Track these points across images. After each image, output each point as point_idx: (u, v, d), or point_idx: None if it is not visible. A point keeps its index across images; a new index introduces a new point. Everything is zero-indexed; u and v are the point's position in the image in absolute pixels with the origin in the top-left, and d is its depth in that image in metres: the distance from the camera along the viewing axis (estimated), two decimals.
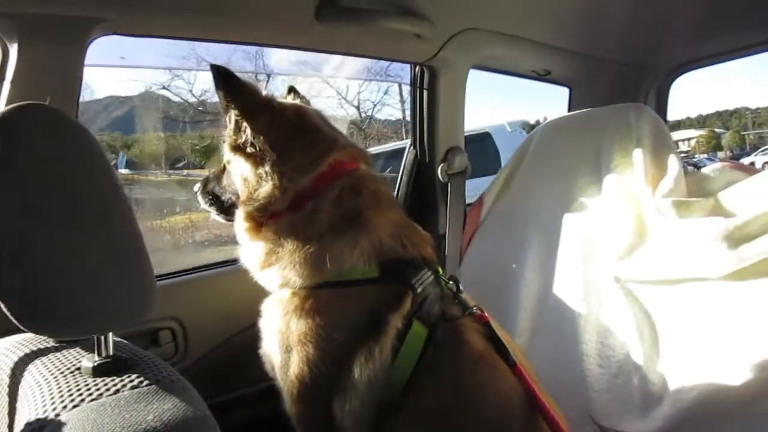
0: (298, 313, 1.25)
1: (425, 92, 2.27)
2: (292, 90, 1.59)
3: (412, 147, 2.39)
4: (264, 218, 1.33)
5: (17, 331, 1.16)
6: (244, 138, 1.32)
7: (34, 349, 1.06)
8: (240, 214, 1.37)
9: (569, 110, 2.72)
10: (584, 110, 2.03)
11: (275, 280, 1.31)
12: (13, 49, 1.30)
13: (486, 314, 1.34)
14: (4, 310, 0.81)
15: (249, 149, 1.32)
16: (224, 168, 1.47)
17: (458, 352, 1.28)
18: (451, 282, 1.38)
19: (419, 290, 1.30)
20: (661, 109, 2.66)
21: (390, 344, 1.24)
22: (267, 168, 1.30)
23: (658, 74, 2.65)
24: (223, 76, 1.30)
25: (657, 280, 1.73)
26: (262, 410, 1.77)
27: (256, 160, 1.32)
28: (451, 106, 2.31)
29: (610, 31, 2.20)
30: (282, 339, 1.27)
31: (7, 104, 1.30)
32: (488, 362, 1.28)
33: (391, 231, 1.33)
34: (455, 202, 2.36)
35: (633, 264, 1.78)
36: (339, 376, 1.22)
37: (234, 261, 1.94)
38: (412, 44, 1.95)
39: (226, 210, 1.48)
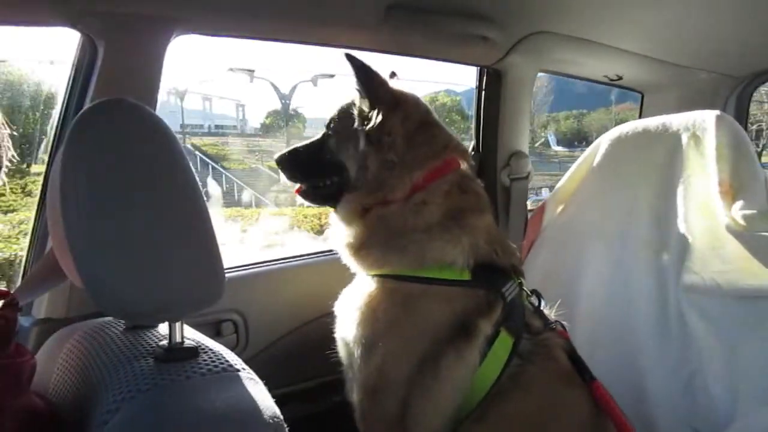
0: (389, 303, 1.27)
1: (490, 96, 2.25)
2: (394, 75, 1.58)
3: (473, 150, 2.37)
4: (373, 204, 1.35)
5: (93, 316, 1.23)
6: (379, 131, 1.35)
7: (109, 333, 1.12)
8: (350, 198, 1.39)
9: (640, 116, 2.63)
10: (658, 117, 1.95)
11: (369, 264, 1.34)
12: (101, 47, 1.37)
13: (566, 330, 1.37)
14: (88, 294, 0.85)
15: (384, 142, 1.35)
16: (321, 145, 1.48)
17: (547, 368, 1.29)
18: (533, 295, 1.39)
19: (508, 299, 1.30)
20: (741, 117, 2.52)
21: (479, 349, 1.25)
22: (392, 157, 1.33)
23: (738, 81, 2.52)
24: (361, 69, 1.36)
25: (731, 295, 1.65)
26: (319, 406, 1.80)
27: (383, 148, 1.34)
28: (516, 111, 2.27)
29: (689, 37, 2.11)
30: (367, 327, 1.27)
31: (92, 99, 1.38)
32: (575, 382, 1.30)
33: (487, 236, 1.35)
34: (516, 207, 2.32)
35: (705, 278, 1.70)
36: (423, 373, 1.22)
37: (297, 257, 2.00)
38: (479, 47, 1.93)
39: (320, 191, 1.48)
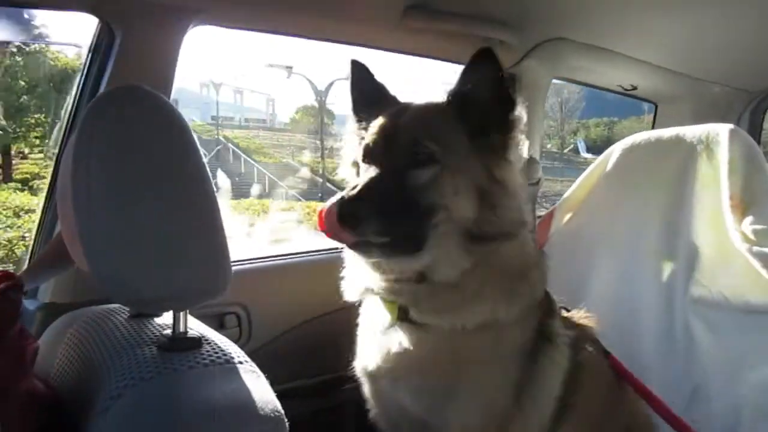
0: (481, 342, 1.19)
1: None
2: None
3: None
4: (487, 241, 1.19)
5: (98, 302, 1.23)
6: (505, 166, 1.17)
7: (114, 320, 1.12)
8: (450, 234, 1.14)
9: (653, 127, 2.61)
10: (672, 128, 1.93)
11: (469, 314, 1.16)
12: (118, 34, 1.38)
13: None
14: (96, 281, 0.85)
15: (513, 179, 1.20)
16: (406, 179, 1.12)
17: (603, 365, 1.39)
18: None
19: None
20: (755, 131, 2.52)
21: (563, 352, 1.27)
22: (519, 199, 1.23)
23: (752, 96, 2.51)
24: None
25: (738, 309, 1.64)
26: (319, 403, 1.79)
27: (515, 188, 1.19)
28: (530, 116, 2.25)
29: (705, 50, 2.10)
30: (455, 374, 1.17)
31: (108, 86, 1.38)
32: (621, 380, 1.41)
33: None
34: None
35: (713, 291, 1.70)
36: (526, 389, 1.21)
37: (302, 253, 2.00)
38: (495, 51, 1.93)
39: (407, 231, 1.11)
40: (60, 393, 1.02)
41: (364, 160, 1.19)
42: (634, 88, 2.46)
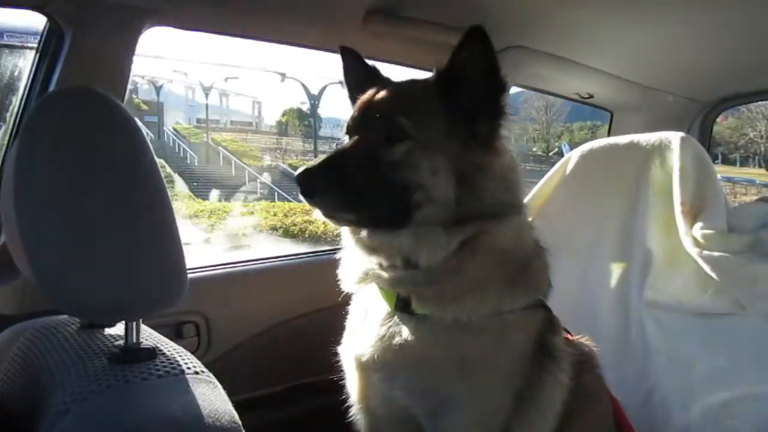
0: (484, 340, 1.14)
1: None
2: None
3: None
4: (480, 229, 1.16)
5: (47, 313, 1.18)
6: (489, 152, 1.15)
7: (63, 331, 1.07)
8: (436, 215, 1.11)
9: (609, 134, 2.68)
10: (627, 136, 1.99)
11: (473, 305, 1.12)
12: (68, 34, 1.33)
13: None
14: (43, 291, 0.81)
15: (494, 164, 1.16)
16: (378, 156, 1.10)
17: (599, 376, 1.34)
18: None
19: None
20: (704, 140, 2.60)
21: (565, 370, 1.22)
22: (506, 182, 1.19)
23: (703, 105, 2.60)
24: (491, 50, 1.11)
25: (689, 311, 1.70)
26: (283, 412, 1.76)
27: (495, 172, 1.16)
28: None
29: (658, 60, 2.17)
30: (455, 377, 1.12)
31: (56, 86, 1.32)
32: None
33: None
34: None
35: (665, 294, 1.75)
36: (524, 407, 1.16)
37: (263, 259, 1.96)
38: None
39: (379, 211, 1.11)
40: (5, 410, 0.97)
41: (346, 136, 1.17)
42: (591, 96, 2.52)
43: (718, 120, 2.73)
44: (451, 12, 1.72)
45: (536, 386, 1.16)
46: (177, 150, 15.95)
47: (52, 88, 1.33)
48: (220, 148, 15.69)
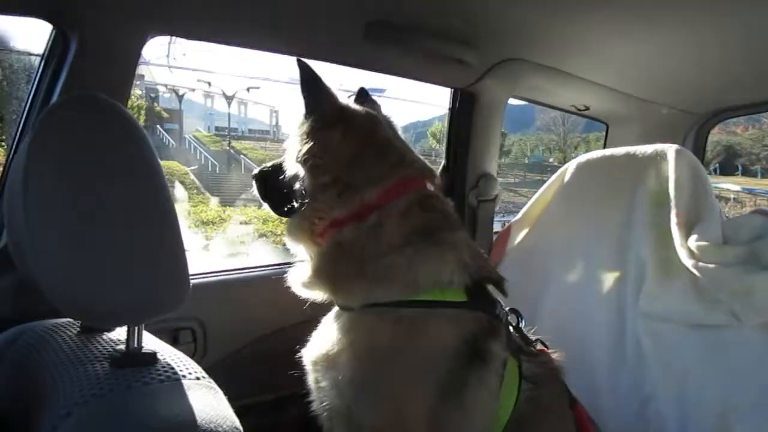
0: (392, 332, 1.16)
1: (462, 117, 2.28)
2: (362, 93, 1.52)
3: (444, 170, 2.39)
4: (322, 226, 1.27)
5: (46, 316, 1.18)
6: (308, 148, 1.26)
7: (63, 334, 1.07)
8: (297, 216, 1.30)
9: (605, 146, 2.71)
10: (623, 147, 2.01)
11: (356, 294, 1.21)
12: (73, 42, 1.34)
13: (548, 348, 1.36)
14: (45, 294, 0.82)
15: (313, 161, 1.26)
16: (281, 164, 1.37)
17: (557, 391, 1.31)
18: (512, 314, 1.36)
19: (503, 320, 1.27)
20: (699, 152, 2.63)
21: (497, 375, 1.19)
22: (327, 179, 1.25)
23: (697, 118, 2.63)
24: (309, 79, 1.28)
25: (684, 323, 1.71)
26: (277, 418, 1.76)
27: (319, 170, 1.26)
28: (487, 133, 2.31)
29: (653, 73, 2.20)
30: (370, 363, 1.15)
31: (62, 94, 1.34)
32: (577, 404, 1.34)
33: (470, 252, 1.27)
34: (483, 229, 2.35)
35: (661, 305, 1.76)
36: (447, 406, 1.14)
37: (260, 267, 1.97)
38: (455, 69, 1.97)
39: (281, 207, 1.38)
40: (4, 413, 0.97)
41: None
42: (587, 109, 2.54)
43: (738, 130, 2.77)
44: (451, 24, 1.75)
45: (460, 385, 1.15)
46: (198, 157, 16.20)
47: (56, 94, 1.34)
48: (242, 156, 15.80)
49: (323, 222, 1.26)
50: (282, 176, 1.32)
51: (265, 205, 1.42)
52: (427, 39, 1.77)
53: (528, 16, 1.69)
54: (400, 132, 1.43)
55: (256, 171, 1.46)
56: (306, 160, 1.26)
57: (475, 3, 1.62)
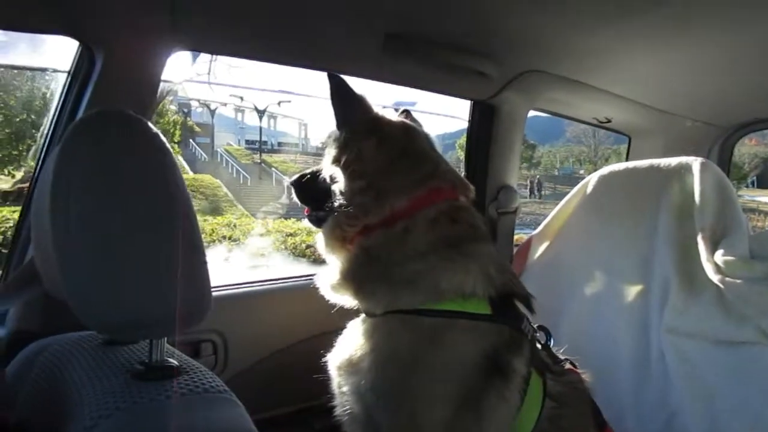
0: (414, 339, 1.15)
1: (482, 130, 2.28)
2: (405, 113, 1.54)
3: None
4: (353, 232, 1.27)
5: (69, 329, 1.20)
6: (347, 156, 1.29)
7: (87, 347, 1.08)
8: (330, 223, 1.31)
9: (627, 159, 2.68)
10: (646, 160, 1.99)
11: (378, 300, 1.22)
12: (99, 57, 1.37)
13: (577, 368, 1.34)
14: (71, 307, 0.83)
15: (352, 167, 1.28)
16: (319, 171, 1.40)
17: (582, 412, 1.29)
18: (540, 331, 1.35)
19: (529, 336, 1.26)
20: (724, 165, 2.60)
21: (518, 390, 1.18)
22: (363, 183, 1.27)
23: (722, 131, 2.59)
24: (340, 90, 1.31)
25: (710, 339, 1.67)
26: (298, 431, 1.76)
27: (355, 175, 1.28)
28: (507, 146, 2.30)
29: (677, 86, 2.17)
30: (392, 369, 1.15)
31: (87, 109, 1.36)
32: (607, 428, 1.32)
33: (497, 266, 1.26)
34: (503, 242, 2.34)
35: (686, 321, 1.72)
36: (463, 418, 1.13)
37: (280, 279, 1.98)
38: (475, 81, 1.97)
39: (318, 212, 1.40)
40: (28, 424, 0.98)
41: None
42: (609, 121, 2.52)
43: None
44: (470, 36, 1.75)
45: (479, 398, 1.14)
46: (231, 171, 16.51)
47: (82, 109, 1.37)
48: (273, 169, 15.98)
49: (354, 229, 1.27)
50: (320, 181, 1.36)
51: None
52: (446, 51, 1.77)
53: (548, 28, 1.68)
54: (437, 146, 1.43)
55: (294, 178, 1.49)
56: (346, 166, 1.29)
57: (496, 15, 1.61)
